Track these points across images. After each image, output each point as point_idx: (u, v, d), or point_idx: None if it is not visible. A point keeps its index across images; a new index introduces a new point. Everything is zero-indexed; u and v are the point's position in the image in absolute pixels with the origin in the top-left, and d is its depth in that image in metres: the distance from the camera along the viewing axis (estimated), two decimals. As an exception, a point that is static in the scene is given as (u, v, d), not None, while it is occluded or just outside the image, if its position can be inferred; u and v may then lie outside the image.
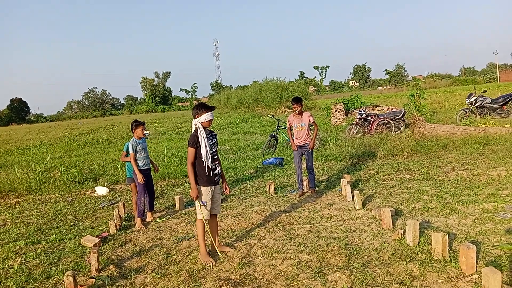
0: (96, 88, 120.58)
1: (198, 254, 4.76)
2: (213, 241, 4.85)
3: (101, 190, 9.10)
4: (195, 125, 4.60)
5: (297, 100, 7.37)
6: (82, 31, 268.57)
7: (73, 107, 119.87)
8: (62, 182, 10.04)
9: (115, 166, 11.78)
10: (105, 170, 11.41)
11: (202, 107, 4.62)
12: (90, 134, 28.29)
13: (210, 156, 4.57)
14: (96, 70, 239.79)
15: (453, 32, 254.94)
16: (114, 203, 8.03)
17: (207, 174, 4.58)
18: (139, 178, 6.29)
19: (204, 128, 4.62)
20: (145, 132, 6.60)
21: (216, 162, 4.74)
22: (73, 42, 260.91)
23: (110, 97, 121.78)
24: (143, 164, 6.51)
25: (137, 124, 6.52)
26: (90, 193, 9.17)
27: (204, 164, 4.55)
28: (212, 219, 4.91)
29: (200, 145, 4.53)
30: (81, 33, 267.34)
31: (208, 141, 4.60)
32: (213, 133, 4.86)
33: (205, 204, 4.67)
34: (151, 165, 6.82)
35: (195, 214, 6.69)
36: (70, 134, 29.01)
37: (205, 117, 4.56)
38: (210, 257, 4.63)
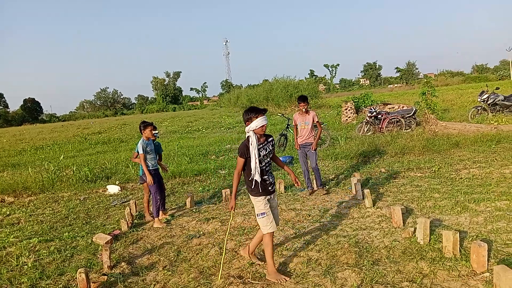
0: (108, 88, 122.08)
1: (246, 255, 4.53)
2: (249, 246, 4.50)
3: (112, 189, 9.21)
4: (247, 133, 4.08)
5: (303, 99, 7.37)
6: (93, 31, 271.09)
7: (85, 106, 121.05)
8: (75, 181, 10.16)
9: (126, 165, 11.88)
10: (116, 169, 11.52)
11: (252, 111, 4.05)
12: (102, 134, 28.55)
13: (259, 169, 4.04)
14: (108, 70, 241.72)
15: (465, 29, 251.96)
16: (125, 202, 8.11)
17: (260, 185, 4.10)
18: (149, 179, 6.26)
19: (259, 135, 4.11)
20: (154, 132, 6.59)
21: (268, 174, 4.20)
22: (85, 42, 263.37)
23: (122, 97, 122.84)
24: (153, 164, 6.50)
25: (145, 124, 6.45)
26: (102, 191, 9.28)
27: (251, 177, 4.10)
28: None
29: (250, 156, 4.05)
30: (93, 34, 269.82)
31: (262, 150, 4.09)
32: (269, 139, 4.24)
33: (265, 215, 4.09)
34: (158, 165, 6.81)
35: (206, 212, 6.76)
36: (82, 133, 29.29)
37: (257, 123, 3.99)
38: (281, 275, 4.06)
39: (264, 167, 4.13)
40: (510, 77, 62.92)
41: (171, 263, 4.72)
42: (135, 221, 6.67)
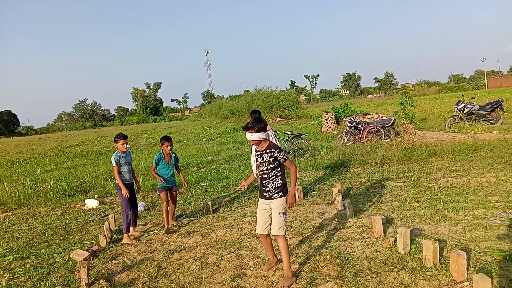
0: (87, 99, 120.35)
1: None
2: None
3: (91, 203, 9.02)
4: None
5: (254, 114, 7.22)
6: (72, 42, 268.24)
7: (64, 119, 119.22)
8: (52, 196, 9.93)
9: (105, 178, 11.68)
10: (95, 182, 11.31)
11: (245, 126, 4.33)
12: (81, 146, 28.08)
13: (255, 172, 4.51)
14: (87, 81, 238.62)
15: (442, 39, 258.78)
16: (104, 216, 7.95)
17: (260, 187, 4.46)
18: (124, 192, 6.16)
19: (256, 145, 4.41)
20: (126, 146, 6.41)
21: (267, 181, 4.30)
22: (63, 53, 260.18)
23: (101, 109, 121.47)
24: (127, 178, 6.38)
25: (118, 137, 6.38)
26: (80, 206, 9.09)
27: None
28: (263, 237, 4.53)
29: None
30: (71, 45, 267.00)
31: (259, 158, 4.32)
32: (268, 150, 4.28)
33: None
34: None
35: (187, 226, 6.69)
36: (60, 146, 28.75)
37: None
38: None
39: (262, 174, 4.33)
40: (485, 86, 64.60)
41: (151, 279, 4.63)
42: (114, 236, 6.53)
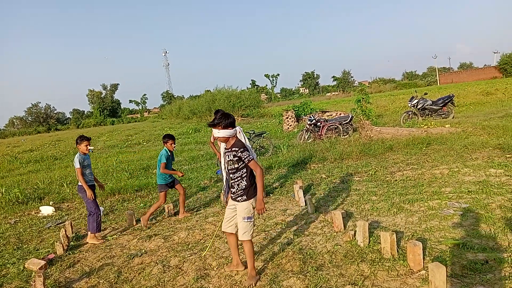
0: (40, 103, 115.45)
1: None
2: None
3: (46, 210, 8.65)
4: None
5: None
6: (21, 42, 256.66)
7: (15, 123, 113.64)
8: (4, 204, 9.45)
9: (61, 184, 11.25)
10: (50, 188, 10.87)
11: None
12: (34, 151, 26.86)
13: (226, 171, 4.27)
14: (39, 84, 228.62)
15: (395, 38, 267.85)
16: (60, 223, 7.66)
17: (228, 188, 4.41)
18: (89, 193, 6.09)
19: (225, 143, 4.27)
20: (89, 148, 6.37)
21: (233, 182, 4.19)
22: (12, 54, 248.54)
23: (55, 112, 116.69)
24: (90, 179, 6.33)
25: (81, 139, 6.31)
26: (35, 213, 8.70)
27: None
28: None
29: None
30: (21, 45, 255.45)
31: (226, 157, 4.18)
32: (233, 148, 4.09)
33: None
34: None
35: (148, 229, 6.56)
36: (12, 152, 27.40)
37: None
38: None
39: (230, 173, 4.21)
40: (437, 82, 67.37)
41: (111, 285, 4.50)
42: (72, 243, 6.30)
